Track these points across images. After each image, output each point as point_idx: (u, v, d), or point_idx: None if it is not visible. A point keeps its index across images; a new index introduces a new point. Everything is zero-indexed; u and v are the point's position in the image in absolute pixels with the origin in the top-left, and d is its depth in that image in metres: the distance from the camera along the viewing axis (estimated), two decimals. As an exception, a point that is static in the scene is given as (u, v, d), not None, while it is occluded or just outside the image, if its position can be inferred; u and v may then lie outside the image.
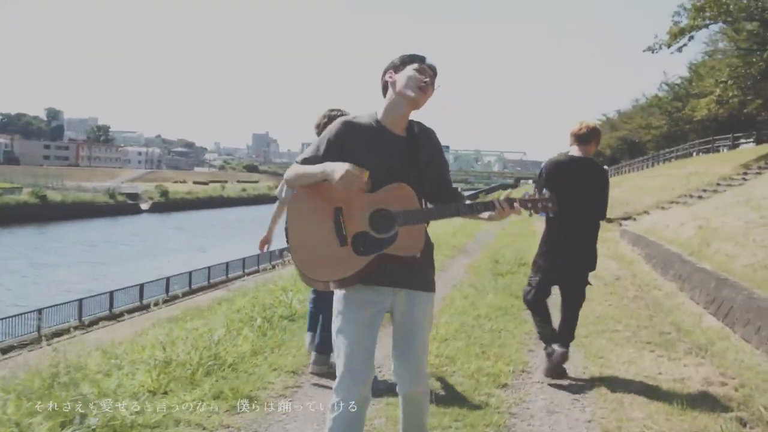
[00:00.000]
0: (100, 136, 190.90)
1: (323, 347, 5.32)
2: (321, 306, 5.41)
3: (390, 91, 3.24)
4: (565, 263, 5.67)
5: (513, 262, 12.06)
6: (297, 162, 3.22)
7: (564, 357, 5.62)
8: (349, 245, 3.05)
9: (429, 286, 3.32)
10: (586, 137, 5.72)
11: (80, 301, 22.40)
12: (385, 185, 3.10)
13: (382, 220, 3.06)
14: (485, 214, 3.21)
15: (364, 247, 3.04)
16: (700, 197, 22.26)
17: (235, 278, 32.91)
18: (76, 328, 20.53)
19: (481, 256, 13.43)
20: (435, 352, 5.94)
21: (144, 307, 25.10)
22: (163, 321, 7.98)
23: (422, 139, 3.30)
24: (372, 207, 3.08)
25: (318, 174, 3.07)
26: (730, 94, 28.16)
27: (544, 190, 3.22)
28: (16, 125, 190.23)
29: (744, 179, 22.50)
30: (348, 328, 3.14)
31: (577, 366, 5.96)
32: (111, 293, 24.18)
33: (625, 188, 37.18)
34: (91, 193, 78.57)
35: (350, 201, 3.07)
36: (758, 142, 41.16)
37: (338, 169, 2.98)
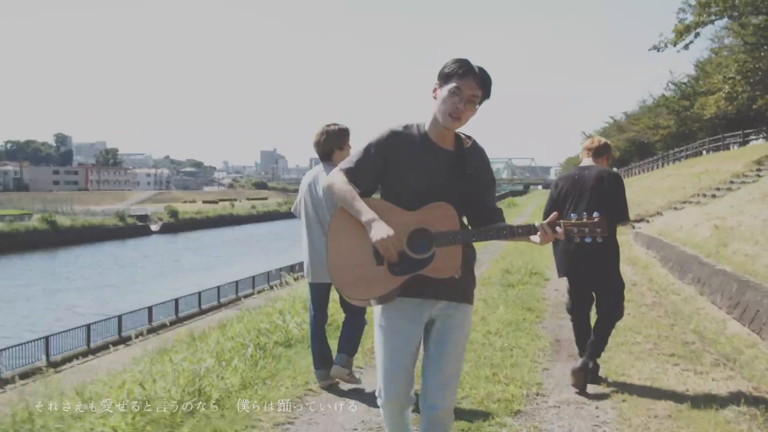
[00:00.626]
0: (109, 159, 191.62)
1: (347, 347, 5.31)
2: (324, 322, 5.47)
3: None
4: (586, 267, 5.59)
5: (524, 272, 11.56)
6: (341, 170, 3.11)
7: (581, 373, 5.39)
8: (384, 265, 2.96)
9: (468, 297, 3.18)
10: (598, 151, 5.84)
11: (88, 326, 22.14)
12: (427, 202, 3.02)
13: (420, 240, 2.99)
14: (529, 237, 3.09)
15: (400, 267, 2.96)
16: (713, 196, 21.74)
17: (246, 296, 32.74)
18: (84, 354, 20.51)
19: (491, 267, 12.96)
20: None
21: (153, 330, 25.03)
22: (150, 351, 7.50)
23: (472, 155, 3.16)
24: (411, 226, 3.00)
25: (356, 214, 2.99)
26: (739, 89, 27.64)
27: (595, 213, 3.09)
28: (25, 152, 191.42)
29: (758, 176, 21.96)
30: (388, 342, 3.08)
31: (596, 384, 5.49)
32: (119, 317, 23.94)
33: (636, 189, 36.64)
34: (101, 216, 78.40)
35: (390, 220, 2.98)
36: (768, 137, 40.70)
37: (378, 232, 2.91)
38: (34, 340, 20.00)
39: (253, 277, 34.41)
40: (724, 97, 29.70)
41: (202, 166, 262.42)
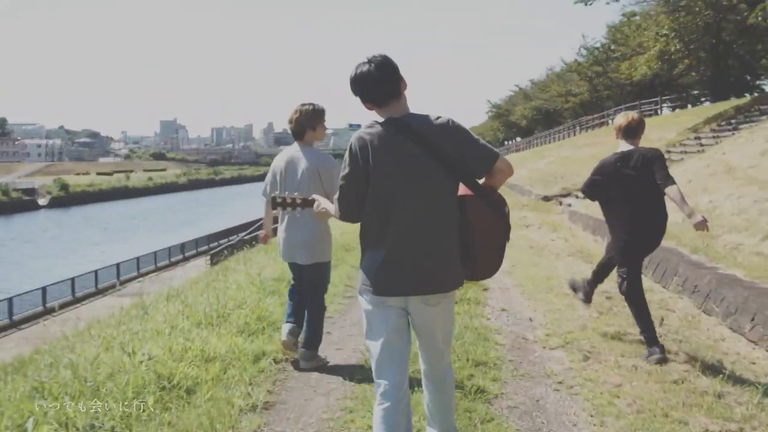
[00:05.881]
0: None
1: (311, 343, 5.39)
2: (305, 298, 5.48)
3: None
4: (642, 244, 5.89)
5: None
6: None
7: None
8: None
9: None
10: (633, 130, 5.88)
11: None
12: None
13: None
14: None
15: None
16: (651, 168, 19.16)
17: (128, 280, 29.14)
18: None
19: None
20: None
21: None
22: None
23: None
24: None
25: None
26: (672, 48, 25.06)
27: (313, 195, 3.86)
28: None
29: (701, 145, 19.49)
30: None
31: None
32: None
33: (553, 160, 34.21)
34: (-20, 190, 72.53)
35: None
36: (683, 105, 39.21)
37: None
38: None
39: (138, 258, 31.14)
40: (656, 56, 27.12)
41: (99, 136, 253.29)
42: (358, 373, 5.13)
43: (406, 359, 3.23)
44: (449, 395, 3.41)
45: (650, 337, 5.56)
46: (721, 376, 4.98)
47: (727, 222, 9.65)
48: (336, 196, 3.29)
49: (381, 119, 3.22)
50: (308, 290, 5.41)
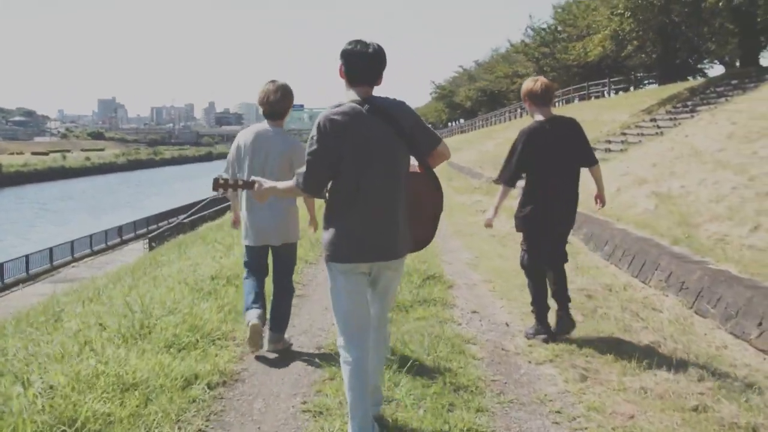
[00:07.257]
0: None
1: (280, 325, 5.23)
2: (263, 282, 5.32)
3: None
4: (547, 221, 5.50)
5: (417, 277, 7.32)
6: None
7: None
8: None
9: None
10: (550, 94, 5.47)
11: None
12: None
13: None
14: None
15: None
16: (608, 150, 18.54)
17: (62, 265, 27.69)
18: None
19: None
20: None
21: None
22: None
23: None
24: None
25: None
26: (627, 28, 24.35)
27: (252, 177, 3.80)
28: None
29: (658, 127, 18.90)
30: None
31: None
32: None
33: (501, 141, 33.53)
34: None
35: None
36: (627, 88, 39.09)
37: None
38: None
39: (72, 242, 29.54)
40: (609, 35, 26.40)
41: (34, 115, 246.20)
42: (312, 399, 4.20)
43: (369, 322, 3.56)
44: (381, 355, 3.82)
45: (541, 316, 5.53)
46: (743, 398, 4.20)
47: (706, 210, 8.93)
48: (301, 171, 3.42)
49: (347, 98, 3.40)
50: (280, 271, 5.28)
